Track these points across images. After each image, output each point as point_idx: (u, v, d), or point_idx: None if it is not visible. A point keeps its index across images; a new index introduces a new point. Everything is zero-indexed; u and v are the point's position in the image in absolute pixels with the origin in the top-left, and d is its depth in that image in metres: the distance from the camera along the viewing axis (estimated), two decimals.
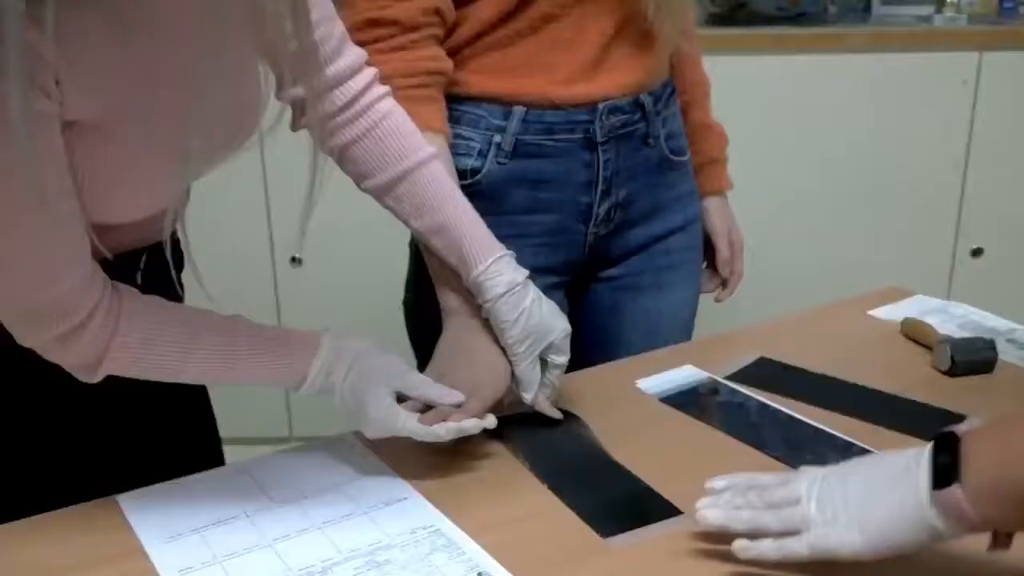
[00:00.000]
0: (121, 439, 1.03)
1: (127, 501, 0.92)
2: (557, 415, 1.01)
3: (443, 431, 0.90)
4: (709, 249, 1.41)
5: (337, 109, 0.97)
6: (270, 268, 2.28)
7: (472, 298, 1.01)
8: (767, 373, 1.15)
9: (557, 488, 0.92)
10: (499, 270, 0.97)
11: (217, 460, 1.14)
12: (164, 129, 0.81)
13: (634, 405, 1.08)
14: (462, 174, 1.17)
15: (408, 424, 0.91)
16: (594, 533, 0.86)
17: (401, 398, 0.93)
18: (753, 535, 0.77)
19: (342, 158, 1.00)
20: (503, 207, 1.18)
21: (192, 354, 0.88)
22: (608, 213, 1.25)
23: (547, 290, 1.08)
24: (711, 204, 1.40)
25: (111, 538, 0.87)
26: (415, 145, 1.00)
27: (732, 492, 0.82)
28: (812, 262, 2.31)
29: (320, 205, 2.33)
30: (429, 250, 1.04)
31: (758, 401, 1.08)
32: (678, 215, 1.32)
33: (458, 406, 0.93)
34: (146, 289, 0.90)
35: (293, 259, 2.27)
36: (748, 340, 1.26)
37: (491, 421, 0.94)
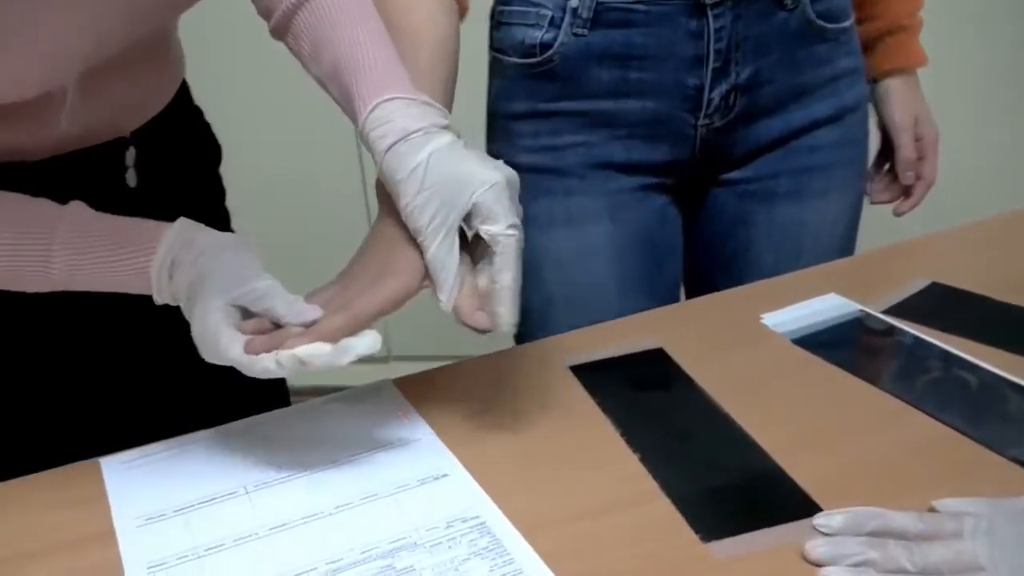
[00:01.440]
0: (152, 374, 0.88)
1: (110, 466, 0.74)
2: (485, 326, 0.67)
3: (270, 362, 0.64)
4: (888, 146, 1.12)
5: None
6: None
7: None
8: (942, 305, 0.87)
9: (651, 464, 0.69)
10: (386, 115, 0.69)
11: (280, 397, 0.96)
12: None
13: (757, 348, 0.83)
14: (530, 50, 0.92)
15: (230, 351, 0.65)
16: (694, 534, 0.62)
17: (249, 314, 0.69)
18: None
19: None
20: (584, 89, 0.93)
21: None
22: (726, 99, 0.97)
23: (648, 193, 0.83)
24: (892, 86, 1.10)
25: (80, 515, 0.69)
26: None
27: (859, 542, 0.57)
28: (993, 156, 1.94)
29: None
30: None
31: (931, 344, 0.81)
32: (829, 101, 1.02)
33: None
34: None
35: None
36: (914, 259, 0.98)
37: (356, 347, 0.64)
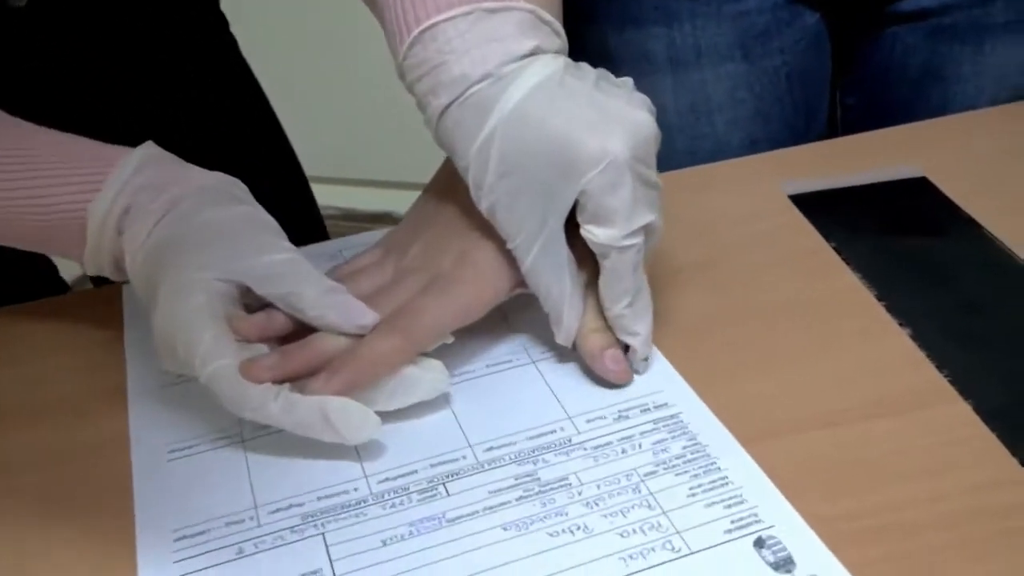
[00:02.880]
0: None
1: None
2: (620, 378, 0.43)
3: (273, 404, 0.39)
4: None
5: None
6: None
7: None
8: None
9: (930, 346, 0.45)
10: (432, 55, 0.42)
11: (316, 229, 0.73)
12: None
13: None
14: None
15: (212, 361, 0.39)
16: (1018, 465, 0.39)
17: (255, 305, 0.43)
18: None
19: None
20: None
21: None
22: None
23: (796, 8, 0.57)
24: None
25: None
26: None
27: None
28: None
29: None
30: None
31: None
32: None
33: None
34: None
35: None
36: None
37: (419, 388, 0.42)
